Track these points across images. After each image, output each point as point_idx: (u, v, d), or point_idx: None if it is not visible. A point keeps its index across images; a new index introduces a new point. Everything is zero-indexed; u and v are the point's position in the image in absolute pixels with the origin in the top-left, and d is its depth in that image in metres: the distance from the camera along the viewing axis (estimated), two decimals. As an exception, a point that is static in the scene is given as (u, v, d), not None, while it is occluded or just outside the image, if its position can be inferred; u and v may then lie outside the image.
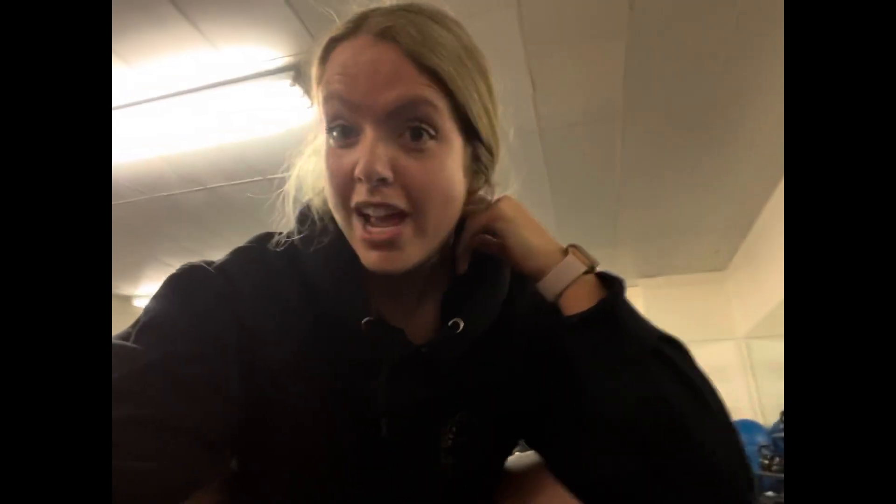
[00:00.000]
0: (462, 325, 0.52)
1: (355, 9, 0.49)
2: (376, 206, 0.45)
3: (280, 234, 0.56)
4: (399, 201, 0.46)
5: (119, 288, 4.32)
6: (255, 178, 2.67)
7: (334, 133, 0.47)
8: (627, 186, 2.90)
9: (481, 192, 0.56)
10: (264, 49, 1.85)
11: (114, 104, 2.05)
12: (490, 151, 0.53)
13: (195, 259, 0.54)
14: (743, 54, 1.92)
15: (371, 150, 0.44)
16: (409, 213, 0.47)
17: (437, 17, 0.49)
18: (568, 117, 2.29)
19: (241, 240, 0.57)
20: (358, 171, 0.44)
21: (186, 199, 2.89)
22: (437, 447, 0.52)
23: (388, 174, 0.44)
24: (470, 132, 0.50)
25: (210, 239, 3.33)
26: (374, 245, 0.46)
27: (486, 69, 0.52)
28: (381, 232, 0.46)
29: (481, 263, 0.56)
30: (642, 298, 4.39)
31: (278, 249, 0.54)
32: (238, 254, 0.55)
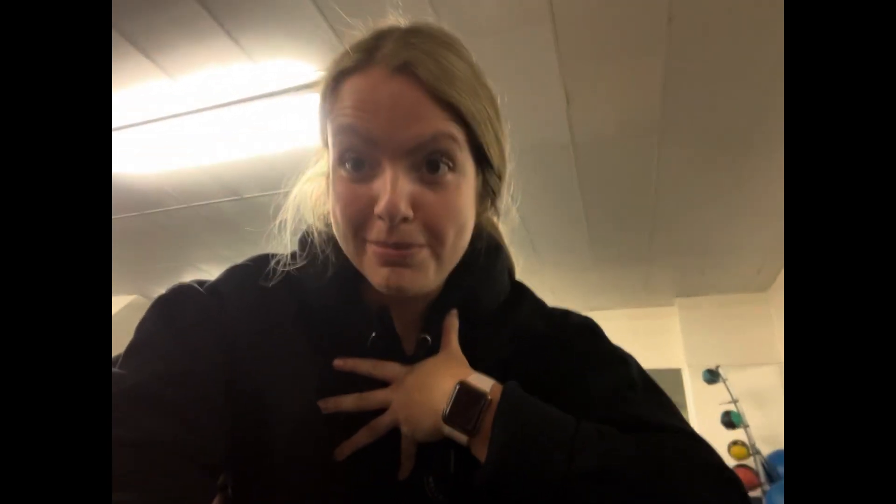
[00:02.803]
0: (430, 340, 0.53)
1: (357, 34, 0.49)
2: (394, 244, 0.45)
3: (278, 255, 0.56)
4: (417, 237, 0.46)
5: (155, 293, 4.45)
6: (288, 191, 2.71)
7: (346, 165, 0.46)
8: (663, 202, 2.83)
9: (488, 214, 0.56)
10: (301, 63, 1.88)
11: (156, 116, 2.12)
12: (499, 177, 0.53)
13: (228, 265, 0.55)
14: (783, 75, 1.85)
15: (393, 189, 0.43)
16: (426, 244, 0.46)
17: (448, 43, 0.48)
18: (603, 131, 2.24)
19: (274, 248, 0.58)
20: (379, 210, 0.44)
21: (223, 208, 2.96)
22: (426, 472, 0.51)
23: (409, 213, 0.44)
24: (482, 160, 0.50)
25: (244, 247, 3.41)
26: (389, 262, 0.46)
27: (494, 94, 0.51)
28: (395, 252, 0.46)
29: (461, 278, 0.55)
30: (679, 319, 4.25)
31: (277, 270, 0.54)
32: (232, 272, 0.55)
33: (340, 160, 0.47)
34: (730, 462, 3.36)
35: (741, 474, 3.21)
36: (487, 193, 0.54)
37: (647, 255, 3.55)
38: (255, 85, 1.97)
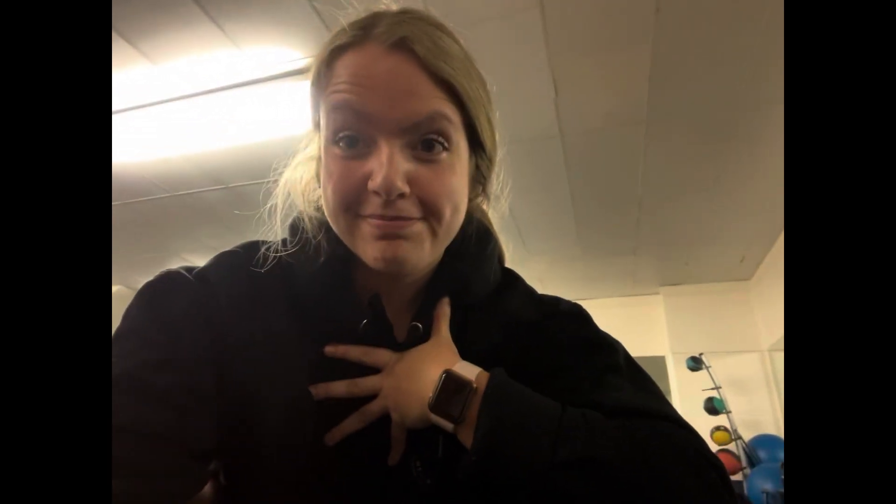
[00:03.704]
0: (421, 328, 0.53)
1: (349, 14, 0.48)
2: (390, 218, 0.45)
3: (268, 242, 0.55)
4: (413, 211, 0.45)
5: (139, 283, 4.40)
6: (275, 178, 2.67)
7: (340, 143, 0.46)
8: (650, 192, 2.85)
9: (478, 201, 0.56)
10: (286, 50, 1.86)
11: (139, 102, 2.08)
12: (490, 161, 0.53)
13: (213, 255, 0.54)
14: (771, 59, 1.86)
15: (389, 165, 0.43)
16: (422, 218, 0.46)
17: (441, 25, 0.48)
18: (590, 122, 2.25)
19: (263, 236, 0.57)
20: (375, 186, 0.43)
21: (208, 197, 2.92)
22: (414, 456, 0.51)
23: (406, 189, 0.44)
24: (475, 143, 0.50)
25: (230, 236, 3.37)
26: (384, 236, 0.45)
27: (484, 79, 0.51)
28: (392, 223, 0.45)
29: (452, 264, 0.55)
30: (664, 307, 4.31)
31: (268, 257, 0.53)
32: (221, 259, 0.54)
33: (334, 138, 0.46)
34: (712, 447, 3.43)
35: (723, 459, 3.27)
36: (479, 179, 0.54)
37: (634, 245, 3.59)
38: (240, 72, 1.94)
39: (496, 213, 0.62)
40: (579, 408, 0.46)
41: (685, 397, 3.91)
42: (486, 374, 0.47)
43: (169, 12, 1.68)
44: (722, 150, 2.44)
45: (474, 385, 0.46)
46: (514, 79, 1.96)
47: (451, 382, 0.47)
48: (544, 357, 0.54)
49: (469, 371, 0.48)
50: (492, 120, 0.52)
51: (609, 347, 0.56)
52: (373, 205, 0.45)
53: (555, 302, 0.61)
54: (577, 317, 0.59)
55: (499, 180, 0.57)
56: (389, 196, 0.43)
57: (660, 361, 4.25)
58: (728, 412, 3.55)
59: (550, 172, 2.61)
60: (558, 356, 0.54)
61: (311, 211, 0.54)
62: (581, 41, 1.81)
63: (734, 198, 2.89)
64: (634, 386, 0.52)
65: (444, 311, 0.54)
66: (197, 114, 2.15)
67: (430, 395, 0.47)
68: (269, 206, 0.56)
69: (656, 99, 2.08)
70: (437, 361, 0.49)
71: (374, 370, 0.52)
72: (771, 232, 3.38)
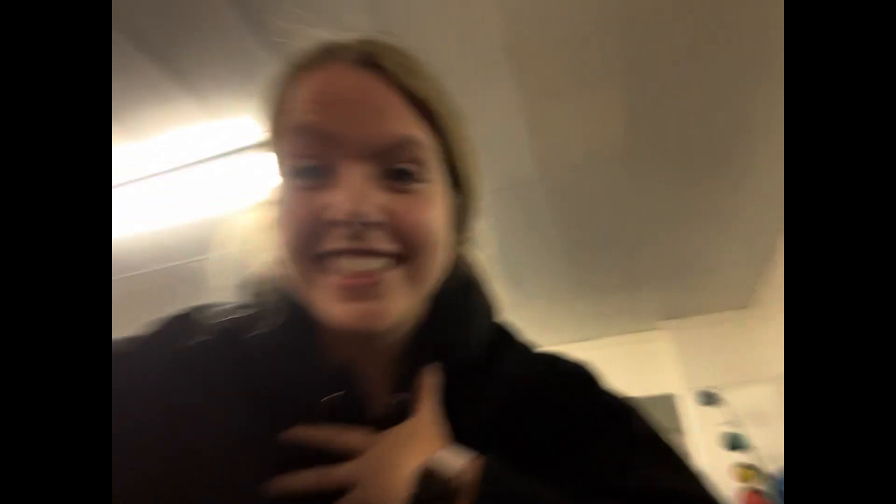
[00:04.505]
0: (403, 400, 0.45)
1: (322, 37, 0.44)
2: (358, 252, 0.38)
3: (218, 305, 0.49)
4: (387, 245, 0.39)
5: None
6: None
7: (299, 173, 0.40)
8: (641, 227, 2.85)
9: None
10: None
11: (125, 179, 2.10)
12: (473, 199, 0.48)
13: None
14: (747, 89, 1.91)
15: (355, 189, 0.37)
16: (399, 255, 0.40)
17: (412, 53, 0.44)
18: (569, 161, 2.27)
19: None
20: (339, 214, 0.37)
21: (200, 266, 2.91)
22: None
23: (377, 216, 0.38)
24: (453, 178, 0.45)
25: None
26: (352, 295, 0.39)
27: (461, 115, 0.46)
28: (359, 275, 0.38)
29: (435, 322, 0.48)
30: (669, 342, 4.22)
31: (216, 322, 0.48)
32: (164, 324, 0.49)
33: (291, 168, 0.41)
34: (735, 485, 3.28)
35: (750, 499, 3.12)
36: (460, 222, 0.48)
37: (630, 281, 3.56)
38: (221, 142, 1.98)
39: (481, 260, 0.55)
40: (597, 499, 0.40)
41: (698, 434, 3.77)
42: (478, 463, 0.40)
43: (149, 88, 1.72)
44: (708, 177, 2.46)
45: (461, 480, 0.38)
46: (489, 130, 1.99)
47: (431, 480, 0.39)
48: (549, 432, 0.47)
49: (457, 461, 0.40)
50: (471, 156, 0.47)
51: (624, 416, 0.49)
52: (335, 238, 0.39)
53: (553, 362, 0.53)
54: (580, 381, 0.52)
55: (483, 225, 0.52)
56: (355, 224, 0.37)
57: (668, 399, 4.13)
58: (748, 448, 3.41)
59: (534, 217, 2.61)
60: (566, 431, 0.47)
61: (265, 270, 0.48)
62: (551, 88, 1.85)
63: (726, 226, 2.89)
64: (657, 462, 0.45)
65: (432, 382, 0.46)
66: (185, 185, 2.17)
67: (407, 496, 0.38)
68: (215, 260, 0.50)
69: (635, 132, 2.11)
70: (418, 449, 0.41)
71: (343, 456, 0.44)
72: (771, 258, 3.37)
